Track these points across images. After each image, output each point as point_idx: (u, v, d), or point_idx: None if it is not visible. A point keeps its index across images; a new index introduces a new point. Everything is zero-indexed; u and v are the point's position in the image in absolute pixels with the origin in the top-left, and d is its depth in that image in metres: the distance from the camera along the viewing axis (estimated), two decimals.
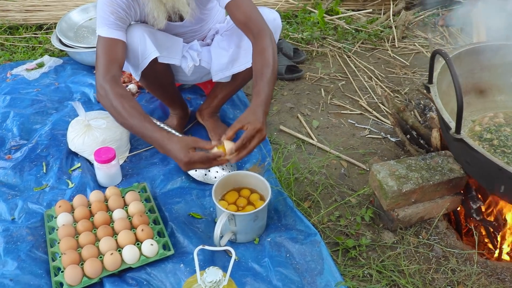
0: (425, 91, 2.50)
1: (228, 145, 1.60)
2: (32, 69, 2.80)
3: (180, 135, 2.06)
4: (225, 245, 1.70)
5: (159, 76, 2.06)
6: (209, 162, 1.61)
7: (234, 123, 1.64)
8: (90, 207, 1.84)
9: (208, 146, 1.63)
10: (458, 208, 1.95)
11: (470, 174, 1.80)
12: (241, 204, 1.82)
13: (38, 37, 3.20)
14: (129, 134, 2.22)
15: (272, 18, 2.03)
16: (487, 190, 1.81)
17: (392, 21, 3.39)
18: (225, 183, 1.84)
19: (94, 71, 1.85)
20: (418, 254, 1.80)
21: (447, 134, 1.67)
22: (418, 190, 1.81)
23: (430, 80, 1.86)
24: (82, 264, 1.61)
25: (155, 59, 1.91)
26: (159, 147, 1.65)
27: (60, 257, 1.64)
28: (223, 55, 2.05)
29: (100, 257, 1.64)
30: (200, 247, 1.32)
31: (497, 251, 1.87)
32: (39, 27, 3.32)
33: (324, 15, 3.34)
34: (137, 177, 2.07)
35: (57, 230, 1.74)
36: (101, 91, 1.75)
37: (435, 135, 2.07)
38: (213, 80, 2.12)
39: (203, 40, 2.16)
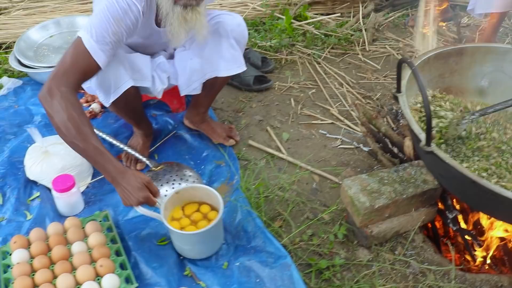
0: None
1: None
2: None
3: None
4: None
5: (129, 101, 1.95)
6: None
7: None
8: (48, 241, 1.73)
9: (156, 195, 1.68)
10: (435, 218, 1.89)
11: (445, 186, 1.73)
12: (194, 218, 1.79)
13: None
14: None
15: (236, 23, 1.93)
16: (464, 202, 1.74)
17: (362, 23, 3.32)
18: (174, 201, 1.78)
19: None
20: (394, 272, 1.73)
21: (418, 146, 1.61)
22: (392, 205, 1.74)
23: (398, 89, 1.79)
24: None
25: None
26: (118, 175, 1.60)
27: None
28: (188, 68, 1.98)
29: None
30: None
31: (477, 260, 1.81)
32: None
33: (293, 21, 3.25)
34: (100, 204, 1.97)
35: (11, 268, 1.63)
36: (53, 92, 1.53)
37: (407, 144, 2.00)
38: (181, 95, 2.06)
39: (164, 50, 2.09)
